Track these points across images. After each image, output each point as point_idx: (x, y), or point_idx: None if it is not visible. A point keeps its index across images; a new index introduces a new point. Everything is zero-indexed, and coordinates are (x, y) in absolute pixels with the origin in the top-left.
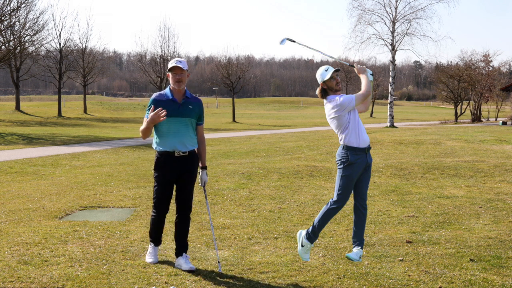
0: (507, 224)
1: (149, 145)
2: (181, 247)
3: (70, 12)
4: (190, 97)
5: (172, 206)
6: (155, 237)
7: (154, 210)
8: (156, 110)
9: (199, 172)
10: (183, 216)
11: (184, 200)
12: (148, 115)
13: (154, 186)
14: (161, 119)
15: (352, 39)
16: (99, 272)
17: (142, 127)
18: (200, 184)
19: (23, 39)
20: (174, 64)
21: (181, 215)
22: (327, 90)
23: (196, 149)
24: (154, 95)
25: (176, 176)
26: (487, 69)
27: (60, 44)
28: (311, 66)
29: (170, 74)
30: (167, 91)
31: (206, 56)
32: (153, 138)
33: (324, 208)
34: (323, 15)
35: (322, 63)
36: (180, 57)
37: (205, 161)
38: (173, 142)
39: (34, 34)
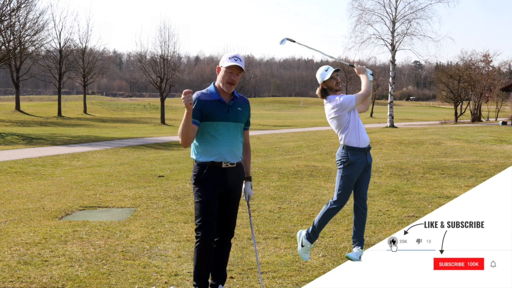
0: None
1: (149, 145)
2: (217, 278)
3: (70, 12)
4: (238, 97)
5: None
6: (202, 276)
7: (199, 235)
8: (187, 94)
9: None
10: (223, 241)
11: (226, 222)
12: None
13: (196, 204)
14: (189, 102)
15: (352, 39)
16: (99, 272)
17: (181, 126)
18: (244, 198)
19: (23, 39)
20: (233, 63)
21: (220, 240)
22: (327, 90)
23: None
24: (197, 93)
25: (222, 192)
26: (487, 69)
27: (60, 44)
28: (311, 66)
29: (223, 70)
30: (212, 89)
31: (206, 56)
32: (193, 147)
33: (324, 208)
34: (323, 15)
35: (322, 63)
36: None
37: (250, 171)
38: (222, 151)
39: (34, 34)
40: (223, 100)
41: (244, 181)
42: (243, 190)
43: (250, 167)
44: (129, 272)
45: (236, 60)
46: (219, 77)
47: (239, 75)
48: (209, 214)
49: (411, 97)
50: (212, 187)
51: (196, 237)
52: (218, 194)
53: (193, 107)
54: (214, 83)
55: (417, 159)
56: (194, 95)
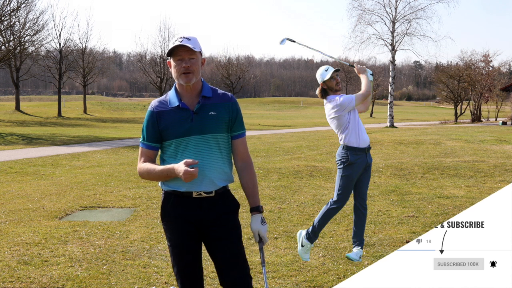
0: None
1: None
2: None
3: (70, 12)
4: (211, 96)
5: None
6: None
7: None
8: (188, 166)
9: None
10: None
11: (224, 271)
12: (144, 144)
13: (169, 249)
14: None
15: (352, 39)
16: (99, 272)
17: (150, 174)
18: (255, 240)
19: (23, 39)
20: (177, 43)
21: None
22: (327, 90)
23: (235, 182)
24: (151, 105)
25: (199, 232)
26: (487, 69)
27: (60, 44)
28: (311, 66)
29: (171, 61)
30: (171, 94)
31: (206, 56)
32: None
33: (324, 208)
34: (323, 15)
35: (322, 63)
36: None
37: (259, 199)
38: None
39: (34, 34)
40: (183, 105)
41: (251, 215)
42: (251, 228)
43: (256, 191)
44: (129, 272)
45: (180, 40)
46: (172, 73)
47: (194, 58)
48: (183, 262)
49: (438, 98)
50: (182, 226)
51: None
52: (195, 233)
53: (146, 125)
54: (174, 85)
55: (417, 159)
56: (149, 108)
